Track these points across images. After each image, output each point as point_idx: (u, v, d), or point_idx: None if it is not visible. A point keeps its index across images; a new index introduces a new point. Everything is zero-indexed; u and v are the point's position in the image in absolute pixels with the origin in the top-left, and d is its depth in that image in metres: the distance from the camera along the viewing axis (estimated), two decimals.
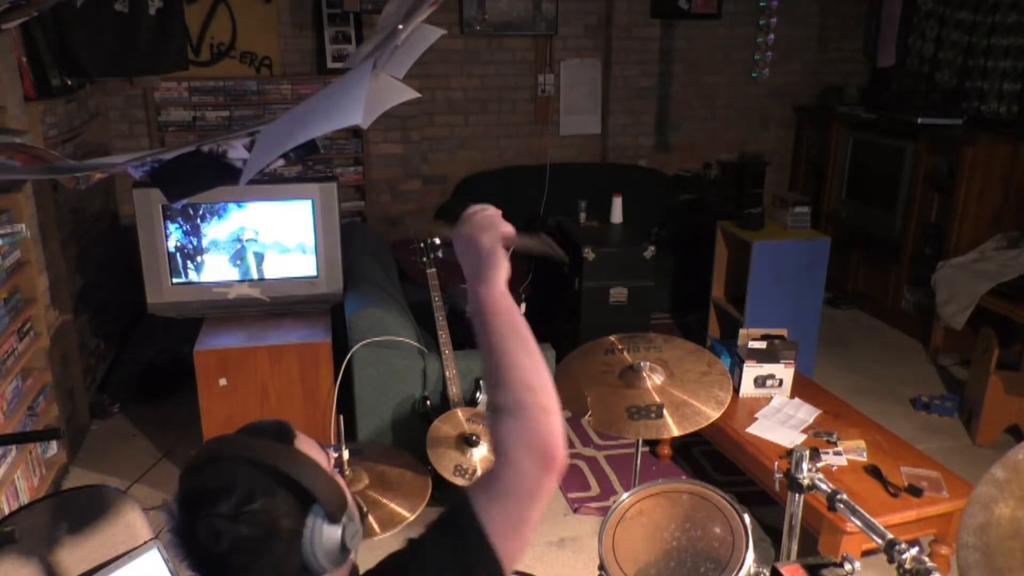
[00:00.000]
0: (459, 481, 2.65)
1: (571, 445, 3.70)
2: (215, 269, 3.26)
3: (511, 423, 1.03)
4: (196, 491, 1.00)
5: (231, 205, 3.21)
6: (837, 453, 2.84)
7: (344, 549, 1.04)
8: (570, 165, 5.70)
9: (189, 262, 3.23)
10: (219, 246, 3.24)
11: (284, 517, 1.00)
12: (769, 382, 3.26)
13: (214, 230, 3.22)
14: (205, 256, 3.24)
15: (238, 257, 3.27)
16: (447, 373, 3.10)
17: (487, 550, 0.99)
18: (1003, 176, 4.55)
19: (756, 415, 3.13)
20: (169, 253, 3.19)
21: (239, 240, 3.25)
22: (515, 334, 1.10)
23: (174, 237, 3.20)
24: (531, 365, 1.07)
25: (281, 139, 1.07)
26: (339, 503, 1.04)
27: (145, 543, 1.75)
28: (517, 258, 4.91)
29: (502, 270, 1.18)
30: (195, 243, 3.22)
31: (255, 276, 3.30)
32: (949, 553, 2.65)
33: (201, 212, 3.19)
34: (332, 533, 1.03)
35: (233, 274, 3.28)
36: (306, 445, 1.09)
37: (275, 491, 1.00)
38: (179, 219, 3.18)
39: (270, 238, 3.28)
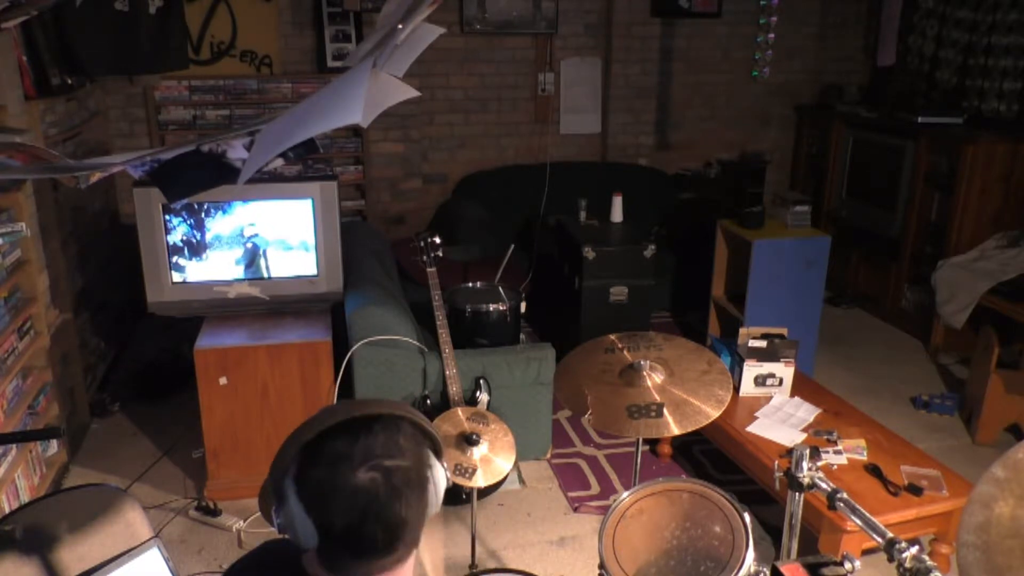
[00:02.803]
0: (460, 480, 2.65)
1: (571, 444, 3.70)
2: (217, 267, 3.26)
3: None
4: (358, 447, 1.09)
5: (236, 202, 3.21)
6: (837, 452, 2.84)
7: (444, 485, 1.18)
8: (570, 164, 5.70)
9: (194, 257, 3.23)
10: (223, 241, 3.23)
11: (423, 449, 1.15)
12: (769, 381, 3.26)
13: (218, 225, 3.22)
14: (209, 252, 3.23)
15: (247, 255, 3.27)
16: (447, 372, 3.10)
17: None
18: (1003, 175, 4.55)
19: (756, 414, 3.13)
20: (172, 247, 3.19)
21: (243, 235, 3.25)
22: None
23: (179, 231, 3.19)
24: None
25: (281, 138, 1.07)
26: (439, 440, 1.20)
27: (145, 542, 1.75)
28: (517, 257, 4.93)
29: None
30: (199, 238, 3.21)
31: (260, 275, 3.30)
32: (949, 552, 2.65)
33: (206, 207, 3.19)
34: (442, 471, 1.18)
35: (234, 273, 3.28)
36: None
37: (410, 431, 1.14)
38: (183, 213, 3.18)
39: (273, 235, 3.28)
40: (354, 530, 1.08)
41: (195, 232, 3.22)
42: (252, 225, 3.25)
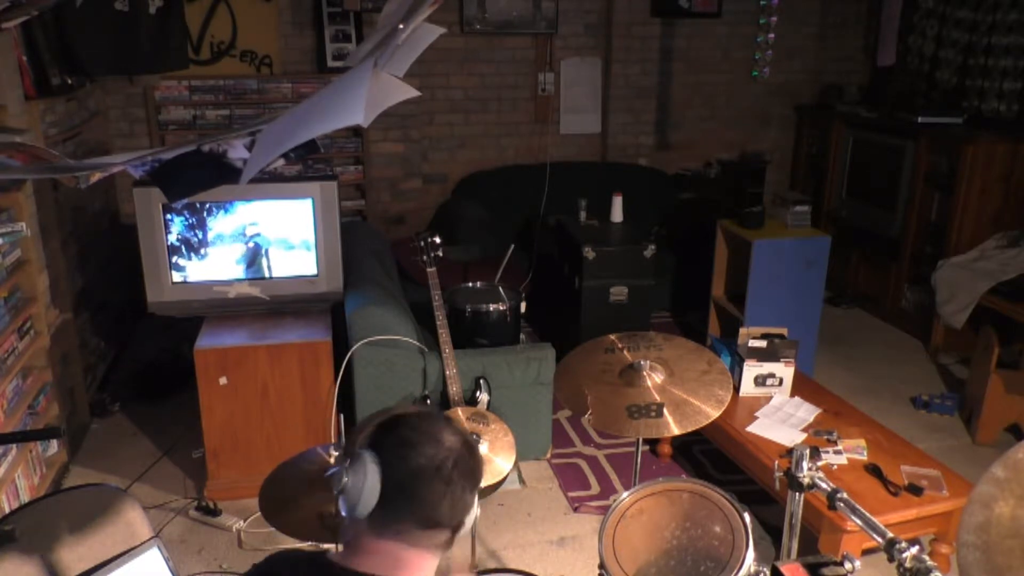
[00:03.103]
0: None
1: (571, 444, 3.70)
2: (217, 266, 3.26)
3: None
4: (439, 422, 1.26)
5: (236, 201, 3.21)
6: (837, 452, 2.84)
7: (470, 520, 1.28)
8: (570, 164, 5.70)
9: (194, 257, 3.23)
10: (224, 241, 3.23)
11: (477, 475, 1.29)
12: (769, 381, 3.26)
13: (219, 225, 3.22)
14: (209, 251, 3.23)
15: (248, 254, 3.27)
16: (447, 372, 3.10)
17: None
18: (1003, 175, 4.55)
19: (756, 414, 3.13)
20: (172, 247, 3.19)
21: (244, 235, 3.24)
22: None
23: (179, 231, 3.19)
24: None
25: (282, 138, 1.07)
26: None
27: (145, 542, 1.75)
28: (517, 257, 4.93)
29: None
30: (199, 238, 3.21)
31: (261, 274, 3.30)
32: (949, 552, 2.65)
33: (206, 207, 3.19)
34: (475, 507, 1.28)
35: (234, 272, 3.28)
36: None
37: (455, 438, 1.26)
38: (184, 213, 3.17)
39: (274, 234, 3.28)
40: (419, 484, 1.18)
41: (195, 232, 3.22)
42: (254, 224, 3.25)
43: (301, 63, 5.18)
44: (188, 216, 3.19)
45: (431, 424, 1.23)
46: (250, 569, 1.28)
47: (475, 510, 1.26)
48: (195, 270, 3.24)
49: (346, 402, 3.20)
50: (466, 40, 5.44)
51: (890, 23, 5.57)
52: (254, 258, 3.29)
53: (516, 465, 3.33)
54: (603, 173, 5.61)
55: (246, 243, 3.26)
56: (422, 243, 3.23)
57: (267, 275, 3.31)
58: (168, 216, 3.16)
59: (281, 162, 1.22)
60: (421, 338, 3.27)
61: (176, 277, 3.23)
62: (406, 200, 5.60)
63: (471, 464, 1.24)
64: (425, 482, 1.19)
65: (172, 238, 3.19)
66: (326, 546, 1.33)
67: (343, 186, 5.10)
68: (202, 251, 3.24)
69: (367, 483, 1.18)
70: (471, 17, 5.37)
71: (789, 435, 2.97)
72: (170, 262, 3.20)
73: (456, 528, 1.24)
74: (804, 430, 3.01)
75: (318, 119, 1.02)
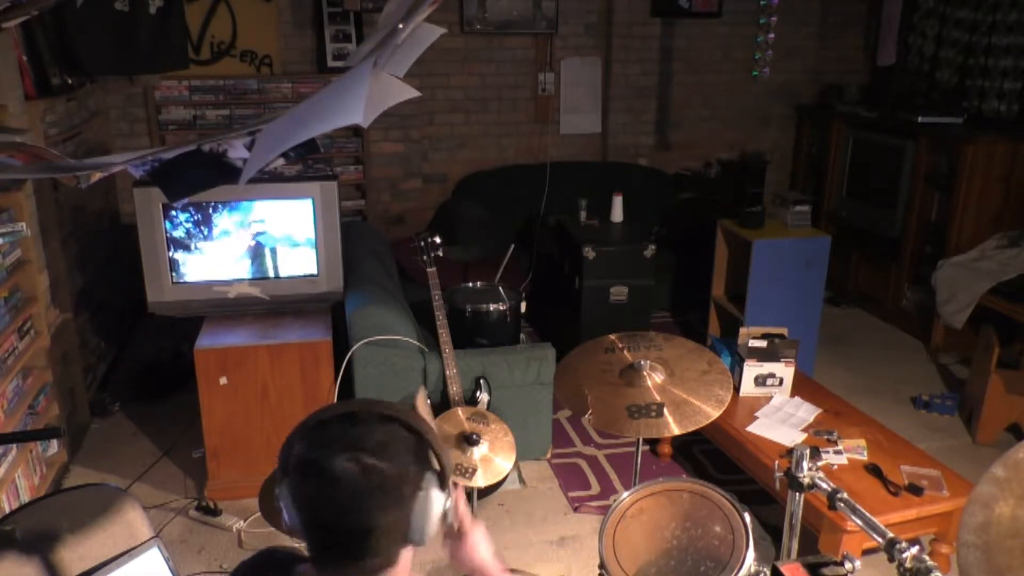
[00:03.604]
0: (460, 480, 2.65)
1: (571, 444, 3.70)
2: (217, 266, 3.25)
3: None
4: (351, 435, 1.07)
5: (236, 201, 3.21)
6: (837, 452, 2.84)
7: (444, 518, 1.13)
8: (570, 164, 5.70)
9: (194, 257, 3.22)
10: (224, 241, 3.23)
11: (414, 466, 1.09)
12: (769, 381, 3.26)
13: (220, 225, 3.22)
14: (209, 251, 3.23)
15: (251, 253, 3.27)
16: (447, 372, 3.10)
17: None
18: (1003, 175, 4.55)
19: (756, 414, 3.13)
20: (172, 246, 3.18)
21: (248, 234, 3.24)
22: None
23: (179, 231, 3.19)
24: None
25: (282, 138, 1.07)
26: (450, 475, 1.14)
27: (145, 542, 1.75)
28: (517, 257, 4.92)
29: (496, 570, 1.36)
30: (200, 237, 3.21)
31: (263, 274, 3.30)
32: (949, 552, 2.65)
33: (207, 206, 3.19)
34: (440, 500, 1.11)
35: (234, 272, 3.28)
36: (423, 414, 1.19)
37: (412, 445, 1.10)
38: (187, 211, 3.17)
39: (278, 233, 3.28)
40: (323, 521, 1.06)
41: (196, 231, 3.22)
42: (261, 221, 3.25)
43: (301, 63, 5.18)
44: (188, 215, 3.19)
45: (326, 446, 1.06)
46: (238, 566, 1.24)
47: (421, 517, 1.09)
48: (195, 270, 3.24)
49: None
50: (466, 40, 5.44)
51: (890, 23, 5.57)
52: (258, 257, 3.29)
53: (516, 465, 3.33)
54: (603, 173, 5.61)
55: (251, 242, 3.26)
56: (422, 243, 3.23)
57: (269, 274, 3.31)
58: (168, 216, 3.16)
59: (281, 162, 1.22)
60: (421, 338, 3.27)
61: (176, 277, 3.23)
62: (406, 200, 5.60)
63: (391, 483, 1.06)
64: (330, 521, 1.06)
65: (173, 238, 3.19)
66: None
67: (343, 186, 5.10)
68: (202, 251, 3.24)
69: (284, 510, 1.09)
70: (471, 17, 5.37)
71: (789, 435, 2.97)
72: (170, 262, 3.20)
73: (392, 548, 1.10)
74: (804, 430, 3.01)
75: (318, 119, 1.02)
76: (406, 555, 1.13)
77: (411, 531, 1.09)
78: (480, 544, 1.34)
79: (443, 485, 1.12)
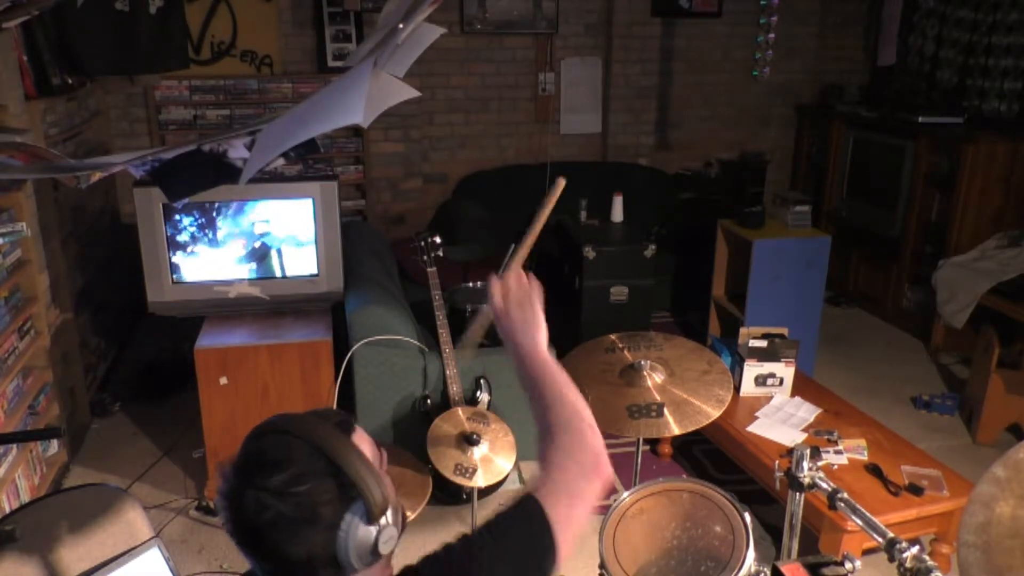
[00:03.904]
0: (460, 480, 2.65)
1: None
2: (217, 266, 3.25)
3: (565, 437, 1.27)
4: (253, 459, 1.04)
5: (237, 201, 3.21)
6: (838, 452, 2.84)
7: (375, 552, 1.05)
8: (571, 164, 5.70)
9: (194, 257, 3.22)
10: (224, 241, 3.23)
11: (327, 505, 1.01)
12: (770, 381, 3.26)
13: (220, 224, 3.22)
14: (210, 251, 3.23)
15: (254, 253, 3.26)
16: (447, 372, 3.10)
17: (552, 542, 1.12)
18: (1004, 175, 4.55)
19: (757, 414, 3.13)
20: (172, 246, 3.18)
21: (251, 233, 3.24)
22: (562, 377, 1.33)
23: (180, 231, 3.19)
24: (576, 397, 1.31)
25: (282, 138, 1.07)
26: (381, 504, 1.05)
27: (146, 542, 1.75)
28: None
29: (544, 330, 1.36)
30: (200, 237, 3.21)
31: (268, 273, 3.30)
32: (950, 552, 2.65)
33: (207, 206, 3.19)
34: (367, 533, 1.04)
35: (235, 272, 3.28)
36: (363, 442, 1.11)
37: (324, 478, 1.02)
38: (190, 211, 3.17)
39: (281, 233, 3.28)
40: (249, 552, 1.03)
41: (196, 231, 3.21)
42: (266, 222, 3.25)
43: (301, 63, 5.18)
44: (188, 215, 3.19)
45: (236, 481, 1.03)
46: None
47: (344, 550, 1.02)
48: (195, 270, 3.24)
49: (346, 402, 3.20)
50: (466, 40, 5.44)
51: (890, 23, 5.58)
52: (260, 258, 3.29)
53: (516, 465, 3.33)
54: (603, 173, 5.61)
55: (254, 242, 3.26)
56: (422, 243, 3.23)
57: (269, 274, 3.31)
58: (168, 216, 3.16)
59: (281, 162, 1.22)
60: (421, 338, 3.27)
61: (176, 277, 3.23)
62: (406, 200, 5.60)
63: (266, 528, 1.00)
64: (253, 552, 1.03)
65: (173, 237, 3.19)
66: None
67: (343, 186, 5.11)
68: (202, 251, 3.24)
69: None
70: (471, 17, 5.37)
71: (789, 435, 2.97)
72: (171, 262, 3.20)
73: (332, 572, 1.04)
74: (804, 430, 3.00)
75: (318, 119, 1.02)
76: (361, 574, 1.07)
77: (341, 563, 1.04)
78: (528, 320, 1.32)
79: (370, 516, 1.04)
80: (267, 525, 1.00)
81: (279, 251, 3.30)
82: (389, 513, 1.07)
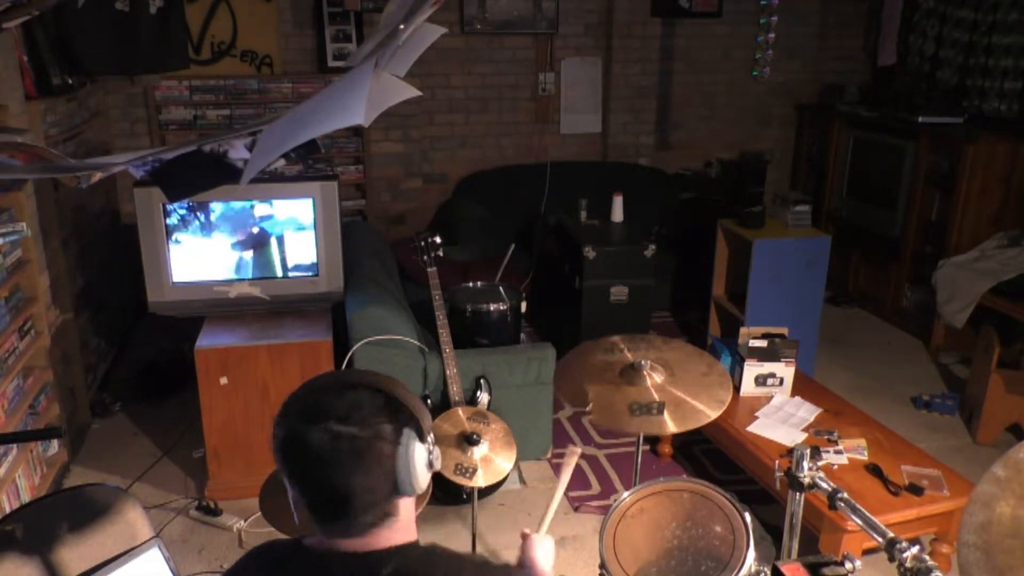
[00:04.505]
0: (460, 480, 2.65)
1: (572, 443, 3.70)
2: (217, 266, 3.25)
3: None
4: (311, 405, 1.14)
5: (237, 201, 3.21)
6: (838, 452, 2.84)
7: (430, 465, 1.19)
8: (571, 164, 5.70)
9: (194, 257, 3.22)
10: (225, 240, 3.23)
11: (386, 424, 1.14)
12: (770, 380, 3.26)
13: (220, 224, 3.22)
14: (210, 251, 3.23)
15: (252, 246, 3.25)
16: (448, 372, 3.10)
17: None
18: (1004, 175, 4.55)
19: (757, 414, 3.13)
20: (172, 246, 3.18)
21: (249, 231, 3.24)
22: None
23: (180, 230, 3.19)
24: None
25: (283, 138, 1.07)
26: (428, 425, 1.20)
27: (146, 542, 1.75)
28: (518, 257, 4.91)
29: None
30: (201, 235, 3.21)
31: (266, 271, 3.30)
32: (950, 552, 2.65)
33: (207, 206, 3.19)
34: (421, 450, 1.17)
35: (235, 272, 3.28)
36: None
37: (380, 404, 1.15)
38: (185, 211, 3.17)
39: (279, 230, 3.27)
40: (307, 487, 1.14)
41: (196, 231, 3.21)
42: (266, 221, 3.25)
43: (301, 63, 5.18)
44: (188, 215, 3.19)
45: (299, 419, 1.13)
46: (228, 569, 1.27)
47: (406, 469, 1.14)
48: (196, 270, 3.24)
49: None
50: (467, 40, 5.44)
51: (890, 22, 5.58)
52: (259, 246, 3.29)
53: (516, 465, 3.33)
54: (603, 173, 5.61)
55: (252, 240, 3.26)
56: (422, 243, 3.23)
57: (269, 272, 3.31)
58: (169, 216, 3.16)
59: (282, 162, 1.22)
60: (421, 338, 3.27)
61: (176, 277, 3.23)
62: (406, 200, 5.60)
63: (362, 444, 1.11)
64: (313, 488, 1.13)
65: (173, 237, 3.19)
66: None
67: (343, 186, 5.10)
68: (202, 251, 3.24)
69: (291, 495, 1.17)
70: (471, 17, 5.37)
71: (790, 435, 2.97)
72: (170, 262, 3.20)
73: (378, 504, 1.14)
74: (805, 430, 3.01)
75: (319, 119, 1.03)
76: (404, 504, 1.18)
77: (399, 484, 1.14)
78: (540, 549, 1.60)
79: (422, 436, 1.17)
80: (340, 453, 1.10)
81: (278, 250, 3.30)
82: (431, 438, 1.21)
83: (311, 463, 1.11)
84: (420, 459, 1.16)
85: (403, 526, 1.19)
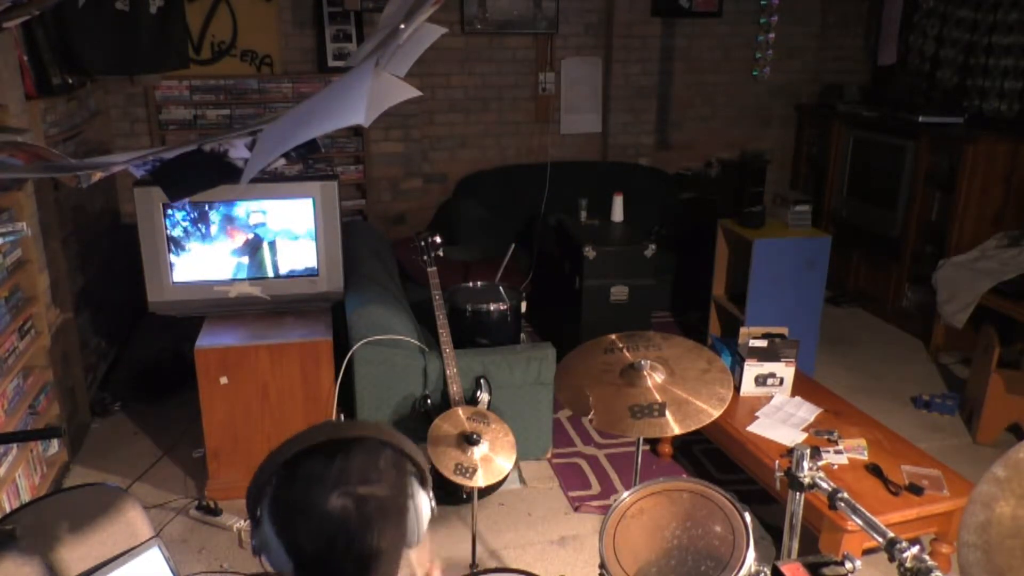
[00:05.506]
0: (460, 480, 2.65)
1: (572, 443, 3.70)
2: (217, 266, 3.25)
3: None
4: (333, 469, 1.04)
5: (237, 201, 3.21)
6: (838, 451, 2.84)
7: (432, 512, 1.14)
8: (571, 164, 5.70)
9: (194, 257, 3.22)
10: (225, 240, 3.23)
11: (402, 477, 1.09)
12: (770, 380, 3.26)
13: (221, 224, 3.22)
14: (210, 251, 3.23)
15: (249, 251, 3.26)
16: (448, 371, 3.10)
17: None
18: (1004, 174, 4.55)
19: (757, 414, 3.13)
20: (173, 246, 3.18)
21: (247, 231, 3.24)
22: None
23: (180, 230, 3.19)
24: None
25: (283, 138, 1.07)
26: (424, 467, 1.14)
27: (146, 541, 1.75)
28: (518, 257, 4.92)
29: None
30: (201, 235, 3.21)
31: (263, 272, 3.30)
32: (950, 551, 2.65)
33: (207, 206, 3.19)
34: (426, 499, 1.13)
35: (235, 272, 3.28)
36: None
37: (391, 458, 1.09)
38: (185, 211, 3.17)
39: (277, 228, 3.27)
40: (323, 559, 1.04)
41: (196, 231, 3.21)
42: (260, 224, 3.25)
43: (302, 63, 5.18)
44: (188, 215, 3.19)
45: (311, 486, 1.04)
46: None
47: (416, 524, 1.11)
48: (196, 270, 3.24)
49: (346, 402, 3.20)
50: (467, 40, 5.44)
51: (891, 22, 5.58)
52: (255, 252, 3.29)
53: (517, 465, 3.33)
54: (603, 173, 5.61)
55: (250, 241, 3.26)
56: (423, 243, 3.23)
57: (269, 273, 3.31)
58: (169, 215, 3.16)
59: (282, 162, 1.22)
60: (422, 338, 3.27)
61: (177, 277, 3.23)
62: (407, 200, 5.60)
63: (389, 503, 1.07)
64: (327, 557, 1.04)
65: (173, 237, 3.19)
66: None
67: (344, 186, 5.10)
68: (202, 250, 3.23)
69: (272, 551, 1.07)
70: (472, 17, 5.37)
71: (790, 435, 2.97)
72: (170, 262, 3.20)
73: (392, 565, 1.10)
74: (805, 430, 3.01)
75: (319, 119, 1.03)
76: (410, 556, 1.15)
77: (408, 536, 1.11)
78: None
79: (424, 482, 1.13)
80: (367, 517, 1.03)
81: (282, 246, 3.30)
82: (430, 483, 1.15)
83: (331, 532, 1.03)
84: (426, 508, 1.13)
85: None
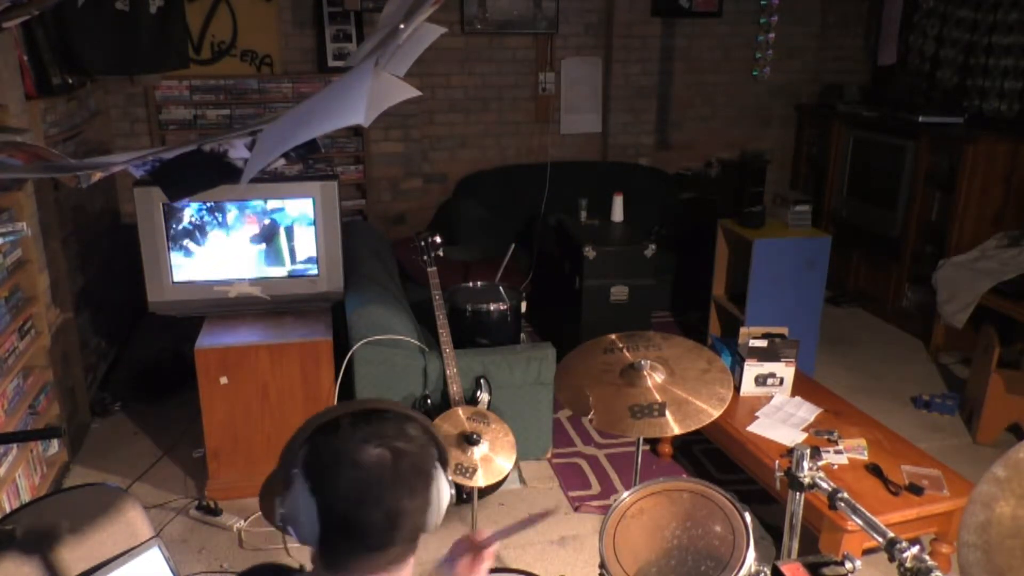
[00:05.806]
0: (461, 480, 2.65)
1: (572, 443, 3.70)
2: (217, 266, 3.25)
3: None
4: (369, 425, 1.10)
5: (237, 201, 3.21)
6: (838, 451, 2.84)
7: (450, 499, 1.17)
8: (571, 163, 5.70)
9: (194, 254, 3.22)
10: (226, 239, 3.23)
11: (431, 447, 1.14)
12: (770, 380, 3.26)
13: (220, 224, 3.21)
14: (211, 249, 3.23)
15: (264, 234, 3.25)
16: (448, 371, 3.10)
17: None
18: (1004, 174, 4.55)
19: (757, 414, 3.13)
20: (173, 245, 3.18)
21: (257, 226, 3.24)
22: None
23: (177, 230, 3.18)
24: None
25: (283, 138, 1.07)
26: (447, 452, 1.18)
27: (146, 541, 1.75)
28: (518, 257, 4.93)
29: None
30: (201, 235, 3.21)
31: (267, 274, 3.30)
32: (950, 551, 2.65)
33: (207, 206, 3.19)
34: (446, 480, 1.15)
35: (235, 272, 3.28)
36: None
37: (420, 428, 1.14)
38: (191, 208, 3.16)
39: (282, 229, 3.27)
40: (353, 512, 1.06)
41: (196, 231, 3.21)
42: (266, 222, 3.25)
43: (302, 63, 5.18)
44: (189, 215, 3.19)
45: (350, 438, 1.08)
46: None
47: (437, 502, 1.13)
48: (196, 270, 3.24)
49: None
50: (467, 40, 5.44)
51: (891, 22, 5.58)
52: (257, 256, 3.28)
53: (517, 465, 3.33)
54: (603, 173, 5.61)
55: (264, 220, 3.25)
56: (422, 243, 3.23)
57: (270, 273, 3.30)
58: (169, 215, 3.16)
59: (282, 162, 1.22)
60: (422, 338, 3.27)
61: (176, 277, 3.23)
62: (407, 200, 5.60)
63: (419, 463, 1.10)
64: (357, 510, 1.06)
65: (173, 237, 3.19)
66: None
67: (344, 186, 5.10)
68: (202, 251, 3.24)
69: (301, 515, 1.08)
70: (471, 17, 5.37)
71: (790, 435, 2.97)
72: (170, 262, 3.20)
73: (414, 536, 1.12)
74: (805, 430, 3.01)
75: (319, 119, 1.02)
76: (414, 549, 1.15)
77: (428, 516, 1.12)
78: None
79: (444, 463, 1.16)
80: (400, 472, 1.07)
81: (278, 251, 3.30)
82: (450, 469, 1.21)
83: (366, 481, 1.05)
84: (446, 490, 1.15)
85: (409, 569, 1.14)
